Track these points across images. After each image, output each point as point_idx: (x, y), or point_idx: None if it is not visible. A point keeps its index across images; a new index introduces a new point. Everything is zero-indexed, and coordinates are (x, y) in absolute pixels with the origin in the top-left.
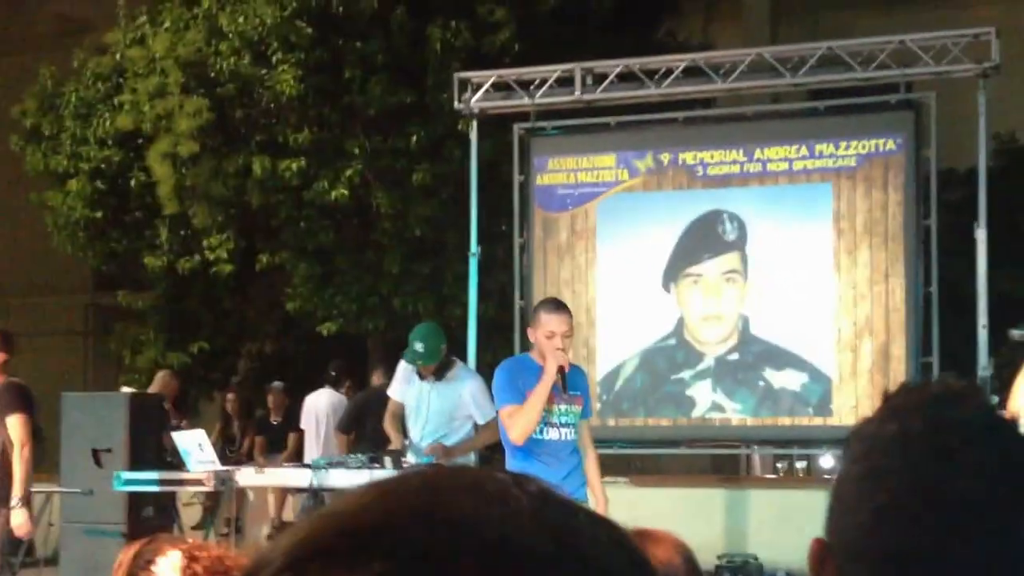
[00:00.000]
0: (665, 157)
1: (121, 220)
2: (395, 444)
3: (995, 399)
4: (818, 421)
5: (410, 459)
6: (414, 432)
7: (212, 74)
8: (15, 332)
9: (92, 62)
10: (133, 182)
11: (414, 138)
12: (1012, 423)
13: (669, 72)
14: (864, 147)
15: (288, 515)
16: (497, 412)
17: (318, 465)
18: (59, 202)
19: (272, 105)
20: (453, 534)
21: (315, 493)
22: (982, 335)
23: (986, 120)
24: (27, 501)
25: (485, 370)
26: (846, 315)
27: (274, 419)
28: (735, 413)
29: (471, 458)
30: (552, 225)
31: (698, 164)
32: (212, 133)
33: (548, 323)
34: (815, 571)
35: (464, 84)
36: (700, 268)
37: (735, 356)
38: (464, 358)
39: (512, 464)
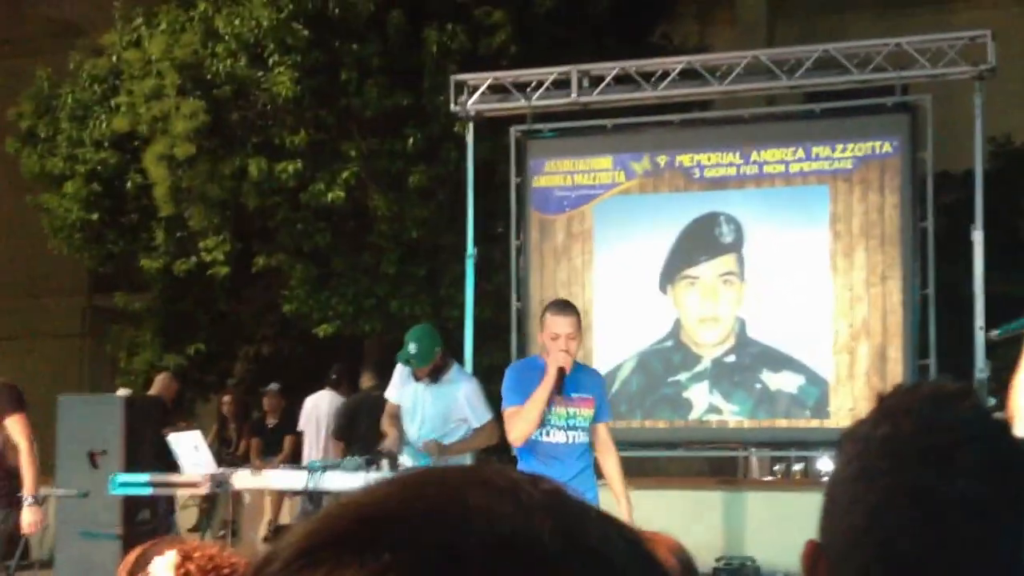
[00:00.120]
0: (662, 159)
1: (117, 222)
2: (390, 439)
3: (992, 401)
4: (815, 423)
5: (406, 460)
6: (410, 433)
7: (208, 76)
8: (11, 334)
9: (88, 64)
10: (129, 184)
11: (410, 140)
12: (1004, 424)
13: (665, 75)
14: (860, 149)
15: (284, 518)
16: (501, 413)
17: (314, 467)
18: (55, 204)
19: (268, 107)
20: (464, 526)
21: (312, 495)
22: (979, 337)
23: (982, 122)
24: (37, 499)
25: (482, 372)
26: (843, 317)
27: (270, 421)
28: (732, 415)
29: (467, 459)
30: (549, 227)
31: (695, 166)
32: (208, 135)
33: (552, 325)
34: (808, 572)
35: (460, 86)
36: (697, 270)
37: (732, 358)
38: (461, 360)
39: (519, 466)
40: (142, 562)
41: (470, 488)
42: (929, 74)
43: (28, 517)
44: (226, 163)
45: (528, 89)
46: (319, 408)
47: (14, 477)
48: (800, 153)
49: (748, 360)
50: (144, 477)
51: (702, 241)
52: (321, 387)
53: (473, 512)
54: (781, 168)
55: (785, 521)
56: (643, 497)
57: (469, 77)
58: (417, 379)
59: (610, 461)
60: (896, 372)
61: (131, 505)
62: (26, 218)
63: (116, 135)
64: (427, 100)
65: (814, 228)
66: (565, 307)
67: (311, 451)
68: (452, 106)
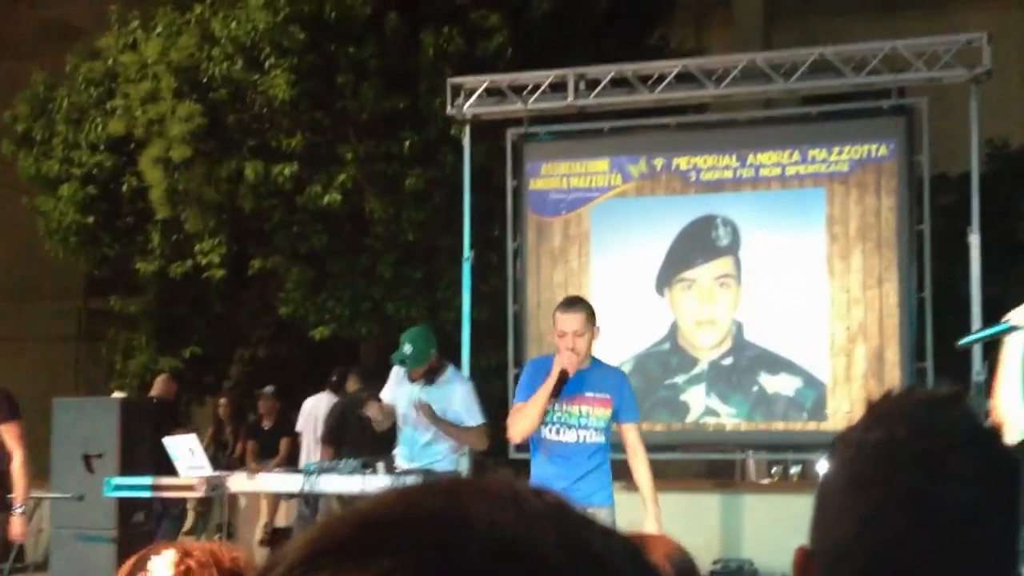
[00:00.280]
0: (658, 162)
1: (113, 225)
2: (374, 408)
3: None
4: (812, 426)
5: (401, 464)
6: (405, 435)
7: (204, 79)
8: (6, 336)
9: (84, 67)
10: (125, 187)
11: (407, 143)
12: (995, 430)
13: (662, 78)
14: (857, 152)
15: (280, 521)
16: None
17: (310, 470)
18: (51, 207)
19: (265, 110)
20: (466, 532)
21: (308, 498)
22: None
23: (978, 125)
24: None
25: (479, 375)
26: (840, 320)
27: (266, 424)
28: (729, 418)
29: (461, 463)
30: (545, 230)
31: (691, 169)
32: (204, 138)
33: (559, 322)
34: None
35: (457, 89)
36: (693, 273)
37: (729, 361)
38: (458, 363)
39: (532, 462)
40: (140, 564)
41: (472, 496)
42: (925, 77)
43: (17, 528)
44: (222, 166)
45: (524, 92)
46: (318, 410)
47: (6, 483)
48: (796, 156)
49: (745, 363)
50: (139, 480)
51: (699, 244)
52: (321, 389)
53: (475, 519)
54: (777, 171)
55: (782, 523)
56: (640, 500)
57: (465, 80)
58: (412, 380)
59: (638, 466)
60: (893, 375)
61: (127, 508)
62: (22, 221)
63: (112, 138)
64: (423, 103)
65: (810, 231)
66: (572, 304)
67: (308, 453)
68: (448, 109)
